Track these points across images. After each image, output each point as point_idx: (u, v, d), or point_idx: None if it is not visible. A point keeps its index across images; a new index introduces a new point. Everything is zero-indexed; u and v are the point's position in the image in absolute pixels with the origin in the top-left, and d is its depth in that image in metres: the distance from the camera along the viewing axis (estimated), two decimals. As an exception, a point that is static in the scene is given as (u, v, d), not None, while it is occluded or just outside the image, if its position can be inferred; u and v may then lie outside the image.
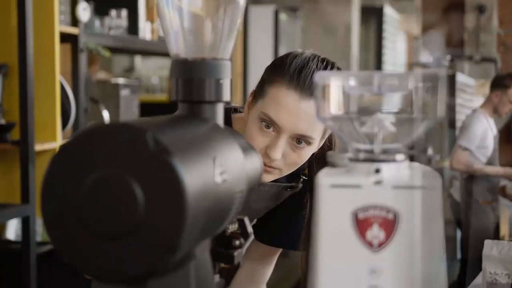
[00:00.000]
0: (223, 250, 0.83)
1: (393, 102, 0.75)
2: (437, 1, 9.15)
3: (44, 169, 0.63)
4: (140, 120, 0.66)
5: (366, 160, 0.69)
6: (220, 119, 0.79)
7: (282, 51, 5.15)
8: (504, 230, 4.95)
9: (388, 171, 0.68)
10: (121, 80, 3.41)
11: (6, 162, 2.69)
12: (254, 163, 0.85)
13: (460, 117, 6.89)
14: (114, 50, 3.46)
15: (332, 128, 0.70)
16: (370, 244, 0.67)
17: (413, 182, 0.67)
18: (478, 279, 2.19)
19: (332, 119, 0.70)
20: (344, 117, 0.70)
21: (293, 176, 1.44)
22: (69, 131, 2.84)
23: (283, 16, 5.64)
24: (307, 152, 1.31)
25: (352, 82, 0.69)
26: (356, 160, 0.70)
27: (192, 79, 0.77)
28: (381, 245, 0.67)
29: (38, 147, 2.54)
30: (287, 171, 1.34)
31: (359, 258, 0.68)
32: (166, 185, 0.60)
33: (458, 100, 6.89)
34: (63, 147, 0.62)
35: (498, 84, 4.61)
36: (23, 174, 2.50)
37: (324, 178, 0.68)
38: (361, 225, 0.67)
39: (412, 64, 8.14)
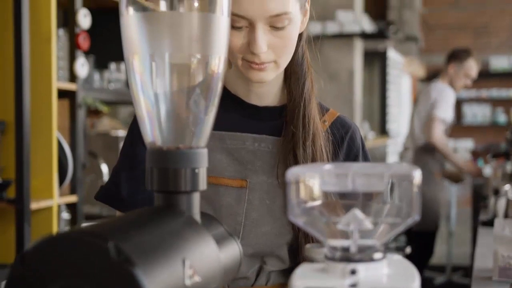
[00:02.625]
0: None
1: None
2: (442, 43, 9.18)
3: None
4: (105, 224, 0.63)
5: (342, 259, 0.67)
6: (196, 210, 0.77)
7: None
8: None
9: (365, 271, 0.65)
10: (121, 133, 3.41)
11: (1, 221, 2.66)
12: (231, 252, 0.82)
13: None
14: (113, 103, 3.46)
15: (305, 226, 0.68)
16: None
17: (390, 284, 0.64)
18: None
19: (305, 216, 0.67)
20: (318, 214, 0.68)
21: None
22: (66, 187, 2.82)
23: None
24: (291, 31, 1.22)
25: (326, 178, 0.67)
26: (332, 259, 0.67)
27: (167, 168, 0.75)
28: None
29: (34, 205, 2.52)
30: (284, 62, 1.25)
31: None
32: (128, 298, 0.57)
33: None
34: (22, 256, 0.60)
35: (454, 56, 4.66)
36: (18, 233, 2.47)
37: (298, 279, 0.65)
38: (336, 330, 0.64)
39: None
